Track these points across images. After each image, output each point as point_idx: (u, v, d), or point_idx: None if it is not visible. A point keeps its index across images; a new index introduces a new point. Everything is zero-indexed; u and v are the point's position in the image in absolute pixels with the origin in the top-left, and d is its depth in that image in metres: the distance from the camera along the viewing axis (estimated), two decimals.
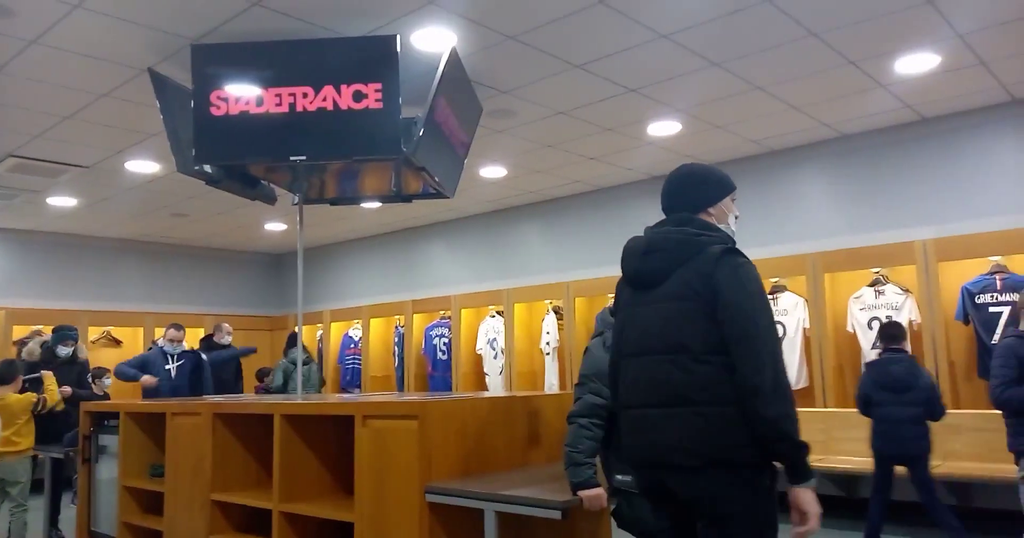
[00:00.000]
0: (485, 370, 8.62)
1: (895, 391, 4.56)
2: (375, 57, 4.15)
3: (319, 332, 10.55)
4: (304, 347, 7.45)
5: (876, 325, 5.75)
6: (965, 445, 5.42)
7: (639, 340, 2.26)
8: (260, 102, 4.17)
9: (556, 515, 2.67)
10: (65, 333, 6.31)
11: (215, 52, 4.22)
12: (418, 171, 4.42)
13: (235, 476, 3.99)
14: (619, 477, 2.84)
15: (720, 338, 2.09)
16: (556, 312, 8.15)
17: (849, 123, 6.21)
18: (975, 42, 4.65)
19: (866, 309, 6.17)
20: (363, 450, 3.21)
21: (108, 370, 7.40)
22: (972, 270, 5.77)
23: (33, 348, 6.18)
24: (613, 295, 2.53)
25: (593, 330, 3.14)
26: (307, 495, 3.61)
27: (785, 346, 6.11)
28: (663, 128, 6.11)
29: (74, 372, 6.24)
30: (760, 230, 6.64)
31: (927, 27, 4.42)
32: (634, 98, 5.42)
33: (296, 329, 5.45)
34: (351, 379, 9.95)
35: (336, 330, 10.39)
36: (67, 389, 5.87)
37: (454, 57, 4.34)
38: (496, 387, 8.42)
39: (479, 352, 8.71)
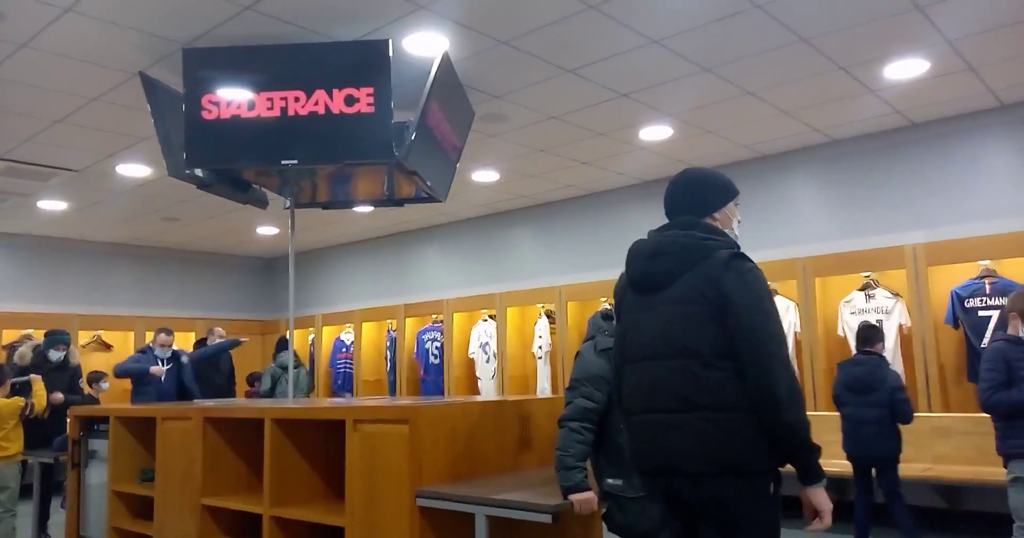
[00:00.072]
0: (477, 374, 8.62)
1: (858, 392, 4.70)
2: (367, 61, 4.15)
3: (311, 336, 10.52)
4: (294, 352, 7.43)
5: None
6: (955, 448, 5.45)
7: (645, 344, 2.24)
8: (252, 106, 4.16)
9: (547, 519, 2.67)
10: (57, 337, 6.27)
11: (206, 56, 4.22)
12: (410, 175, 4.42)
13: (226, 480, 3.97)
14: (610, 481, 2.84)
15: (728, 343, 2.08)
16: (548, 316, 8.15)
17: (839, 128, 6.24)
18: (964, 48, 4.69)
19: (856, 313, 6.19)
20: (354, 454, 3.20)
21: (105, 374, 7.36)
22: (962, 274, 5.80)
23: (25, 352, 6.14)
24: (606, 299, 2.54)
25: (585, 334, 3.14)
26: (298, 499, 3.60)
27: None
28: (655, 133, 6.13)
29: (65, 377, 6.20)
30: (751, 234, 6.58)
31: (916, 33, 4.45)
32: (626, 103, 5.43)
33: (286, 333, 5.44)
34: (343, 383, 9.92)
35: (328, 334, 10.37)
36: (59, 396, 5.84)
37: (446, 61, 4.34)
38: (488, 391, 8.42)
39: (471, 356, 8.70)
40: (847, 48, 4.64)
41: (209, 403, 4.78)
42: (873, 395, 4.64)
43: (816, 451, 2.08)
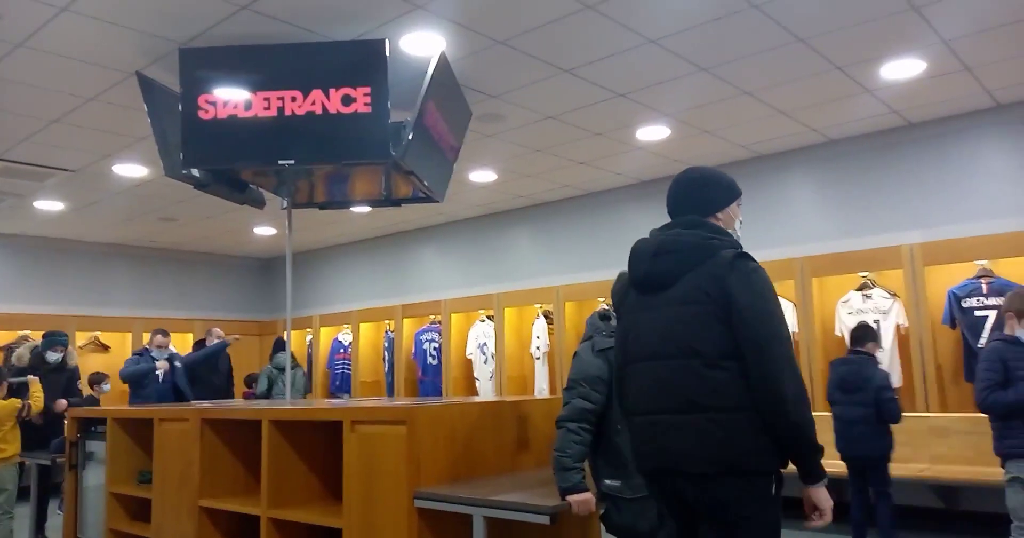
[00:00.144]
0: (475, 375, 8.62)
1: (847, 391, 4.72)
2: (364, 61, 4.15)
3: (308, 337, 10.51)
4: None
5: None
6: (952, 448, 5.45)
7: (648, 345, 2.22)
8: (248, 106, 4.16)
9: (545, 520, 2.67)
10: (55, 339, 6.26)
11: (203, 56, 4.21)
12: (407, 175, 4.42)
13: (223, 482, 3.97)
14: (608, 482, 2.84)
15: (733, 343, 2.07)
16: (546, 316, 8.15)
17: (836, 128, 6.25)
18: (960, 48, 4.69)
19: (854, 313, 6.20)
20: (352, 456, 3.20)
21: (107, 376, 7.35)
22: (959, 274, 5.81)
23: (23, 353, 6.13)
24: (603, 299, 2.53)
25: (582, 335, 3.14)
26: (295, 501, 3.59)
27: None
28: (652, 133, 6.13)
29: (63, 378, 6.19)
30: (748, 234, 6.55)
31: (912, 33, 4.46)
32: (623, 103, 5.43)
33: (284, 334, 5.43)
34: (341, 384, 9.91)
35: (326, 335, 10.36)
36: (63, 403, 5.83)
37: (443, 61, 4.34)
38: (486, 392, 8.41)
39: (469, 357, 8.70)
40: (844, 48, 4.64)
41: (206, 404, 4.78)
42: (860, 394, 4.65)
43: (820, 451, 2.09)
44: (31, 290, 9.30)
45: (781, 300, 6.44)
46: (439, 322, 8.96)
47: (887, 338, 6.03)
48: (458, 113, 4.91)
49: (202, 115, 4.16)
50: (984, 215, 5.78)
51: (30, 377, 5.59)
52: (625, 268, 2.44)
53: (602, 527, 2.98)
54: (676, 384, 2.13)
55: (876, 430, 4.61)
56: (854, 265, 6.26)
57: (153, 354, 6.98)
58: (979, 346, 5.32)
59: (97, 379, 7.26)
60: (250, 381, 9.20)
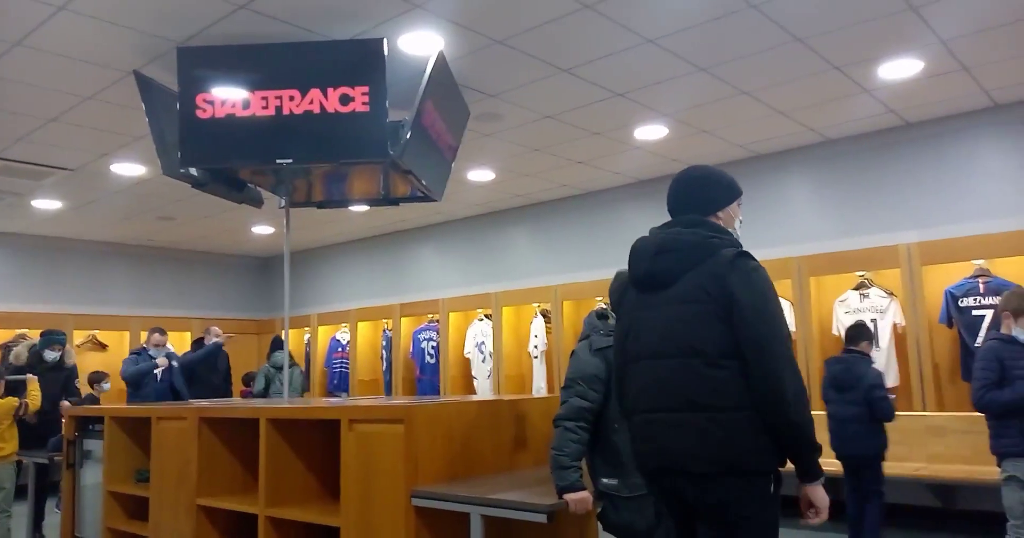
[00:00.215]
0: (473, 374, 8.62)
1: (839, 390, 4.74)
2: (362, 60, 4.15)
3: (307, 336, 10.51)
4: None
5: None
6: (949, 447, 5.46)
7: (648, 343, 2.22)
8: (246, 105, 4.16)
9: (542, 519, 2.67)
10: (53, 337, 6.26)
11: (201, 54, 4.21)
12: (405, 174, 4.42)
13: (221, 481, 3.97)
14: (605, 480, 2.84)
15: (733, 342, 2.07)
16: (544, 315, 8.16)
17: (834, 128, 6.26)
18: (957, 48, 4.70)
19: (851, 312, 6.21)
20: (349, 454, 3.20)
21: (107, 374, 7.35)
22: (956, 274, 5.82)
23: (20, 352, 6.13)
24: (601, 298, 2.53)
25: (580, 334, 3.14)
26: (293, 499, 3.60)
27: None
28: (650, 132, 6.13)
29: (61, 377, 6.19)
30: (746, 234, 6.55)
31: (910, 33, 4.47)
32: (621, 102, 5.44)
33: (281, 333, 5.42)
34: (339, 383, 9.92)
35: (324, 334, 10.36)
36: (66, 404, 5.83)
37: (441, 61, 4.34)
38: (484, 391, 8.42)
39: (467, 356, 8.70)
40: (842, 48, 4.65)
41: (204, 403, 4.78)
42: (852, 393, 4.66)
43: (818, 450, 2.10)
44: (29, 289, 9.30)
45: (780, 299, 6.52)
46: (437, 321, 8.97)
47: (884, 337, 6.05)
48: (456, 112, 4.91)
49: (200, 114, 4.16)
50: (981, 215, 5.79)
51: (28, 376, 5.60)
52: (623, 267, 2.44)
53: (599, 526, 2.98)
54: (676, 383, 2.13)
55: (869, 429, 4.61)
56: (851, 264, 6.26)
57: (151, 353, 6.97)
58: (976, 345, 5.34)
59: (97, 378, 7.25)
60: (248, 380, 9.20)
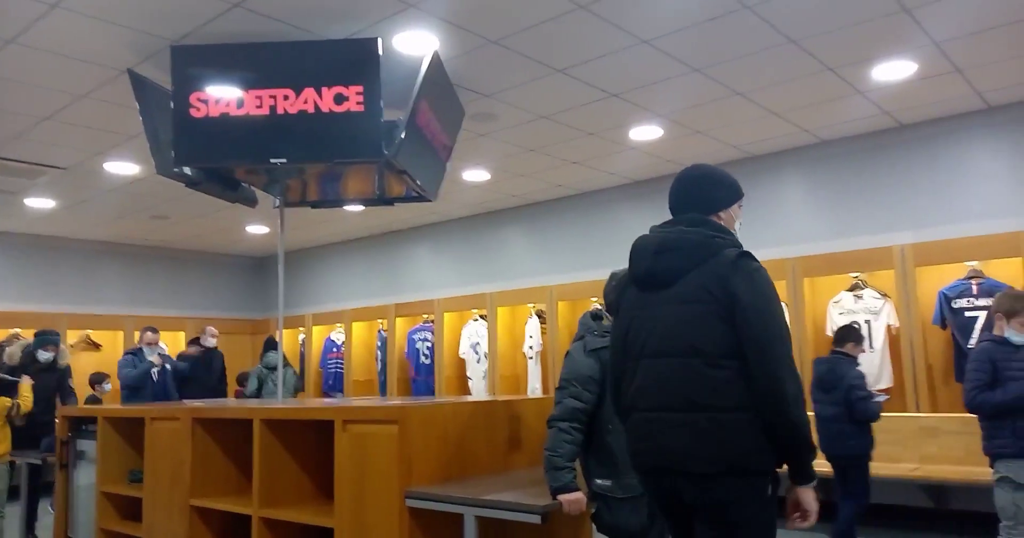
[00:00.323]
0: (468, 374, 8.61)
1: (824, 390, 4.77)
2: (357, 60, 4.14)
3: (301, 336, 10.49)
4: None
5: None
6: (942, 448, 5.48)
7: (649, 342, 2.21)
8: (240, 104, 4.15)
9: (536, 519, 2.67)
10: (47, 338, 6.23)
11: (195, 53, 4.20)
12: (400, 174, 4.41)
13: (214, 481, 3.96)
14: (599, 481, 2.85)
15: (734, 342, 2.07)
16: (539, 316, 8.15)
17: (828, 129, 6.27)
18: (951, 50, 4.72)
19: (845, 313, 6.22)
20: (343, 455, 3.20)
21: (108, 375, 7.32)
22: (949, 275, 5.83)
23: (14, 352, 6.10)
24: (596, 299, 2.53)
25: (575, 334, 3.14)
26: (287, 500, 3.59)
27: None
28: (645, 133, 6.14)
29: (54, 377, 6.17)
30: (741, 235, 6.68)
31: (904, 35, 4.48)
32: (616, 103, 5.44)
33: (275, 333, 5.41)
34: (333, 383, 9.90)
35: (318, 334, 10.34)
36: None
37: (436, 60, 4.34)
38: (479, 391, 8.41)
39: (462, 356, 8.69)
40: (835, 49, 4.66)
41: (198, 404, 4.77)
42: (835, 393, 4.69)
43: (814, 452, 2.11)
44: (22, 288, 9.26)
45: None
46: (432, 321, 8.96)
47: (878, 338, 6.06)
48: (451, 112, 4.91)
49: (194, 113, 4.14)
50: (975, 216, 5.81)
51: (23, 377, 5.57)
52: (618, 268, 2.43)
53: (593, 527, 2.98)
54: (677, 382, 2.12)
55: (854, 429, 4.62)
56: (846, 265, 6.28)
57: (145, 351, 6.96)
58: (969, 346, 5.35)
59: (98, 379, 7.23)
60: (242, 380, 9.18)
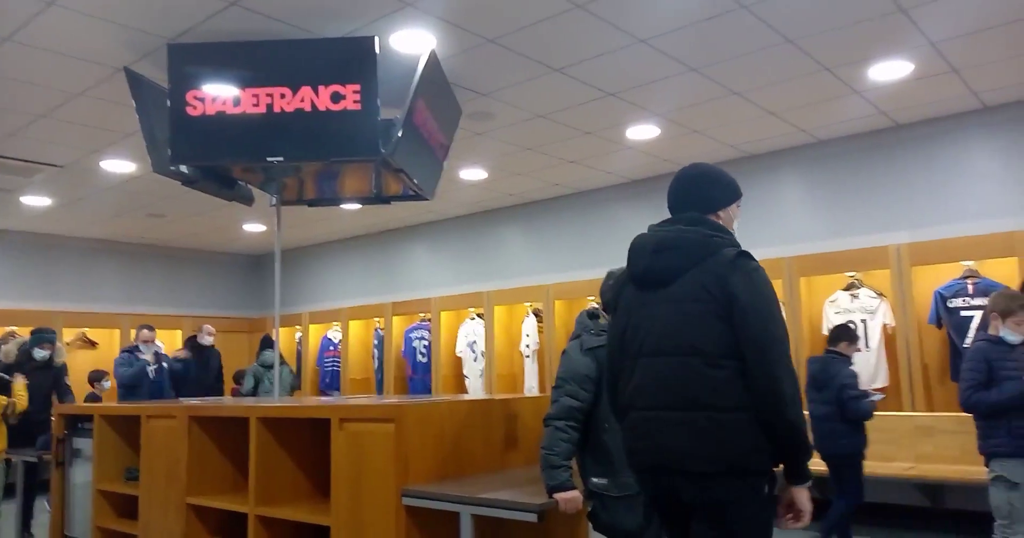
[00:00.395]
0: (465, 373, 8.61)
1: (816, 389, 4.78)
2: (354, 58, 4.14)
3: (298, 334, 10.49)
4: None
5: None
6: (938, 447, 5.49)
7: (647, 341, 2.20)
8: (237, 102, 4.14)
9: (532, 518, 2.67)
10: (43, 336, 6.22)
11: (192, 51, 4.19)
12: (396, 173, 4.41)
13: (211, 479, 3.96)
14: (595, 480, 2.85)
15: (733, 342, 2.07)
16: (536, 315, 8.16)
17: (825, 129, 6.28)
18: (947, 50, 4.73)
19: (841, 313, 6.23)
20: (340, 453, 3.20)
21: (107, 373, 7.30)
22: (945, 274, 5.85)
23: (10, 350, 6.09)
24: (593, 298, 2.52)
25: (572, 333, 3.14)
26: (283, 499, 3.59)
27: None
28: (642, 132, 6.14)
29: (50, 376, 6.16)
30: (737, 234, 6.69)
31: (900, 35, 4.49)
32: (613, 102, 5.44)
33: (271, 331, 5.41)
34: (330, 382, 9.90)
35: (315, 332, 10.33)
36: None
37: (433, 59, 4.34)
38: (476, 390, 8.42)
39: (459, 355, 8.70)
40: (832, 49, 4.66)
41: (194, 401, 4.76)
42: (827, 392, 4.70)
43: (810, 453, 2.12)
44: (18, 286, 9.24)
45: None
46: (429, 320, 8.95)
47: (874, 338, 6.08)
48: (448, 111, 4.91)
49: (190, 111, 4.14)
50: (971, 216, 5.83)
51: (16, 376, 5.56)
52: (615, 267, 2.43)
53: (589, 525, 2.98)
54: (675, 381, 2.12)
55: (846, 428, 4.64)
56: (842, 265, 6.29)
57: (142, 349, 6.96)
58: (964, 346, 5.37)
59: (97, 376, 7.21)
60: (238, 377, 9.17)
